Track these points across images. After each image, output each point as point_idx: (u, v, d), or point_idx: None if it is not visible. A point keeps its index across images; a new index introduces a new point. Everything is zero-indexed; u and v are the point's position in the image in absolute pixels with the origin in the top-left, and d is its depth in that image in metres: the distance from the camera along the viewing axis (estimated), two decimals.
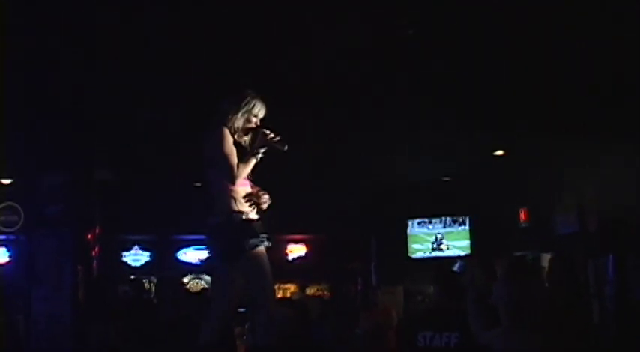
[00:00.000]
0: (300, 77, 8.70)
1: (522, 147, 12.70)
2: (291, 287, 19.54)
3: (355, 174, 15.44)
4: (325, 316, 12.08)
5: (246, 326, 10.37)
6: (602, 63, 8.29)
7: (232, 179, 5.70)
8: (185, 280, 19.69)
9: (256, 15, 7.30)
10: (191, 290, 18.82)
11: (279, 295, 17.13)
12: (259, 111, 5.94)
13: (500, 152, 13.20)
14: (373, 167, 14.71)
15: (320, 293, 19.46)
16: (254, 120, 5.92)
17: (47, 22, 7.26)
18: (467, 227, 17.60)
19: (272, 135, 5.87)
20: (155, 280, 19.80)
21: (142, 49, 7.97)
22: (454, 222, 17.75)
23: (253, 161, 5.83)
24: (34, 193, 12.54)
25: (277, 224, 6.07)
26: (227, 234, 5.72)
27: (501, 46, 7.89)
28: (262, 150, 5.85)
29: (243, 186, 5.83)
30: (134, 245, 20.10)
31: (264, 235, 5.75)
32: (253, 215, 5.81)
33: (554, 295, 6.08)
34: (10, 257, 17.59)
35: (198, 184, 15.86)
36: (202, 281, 19.90)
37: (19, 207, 15.51)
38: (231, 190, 5.75)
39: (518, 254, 14.58)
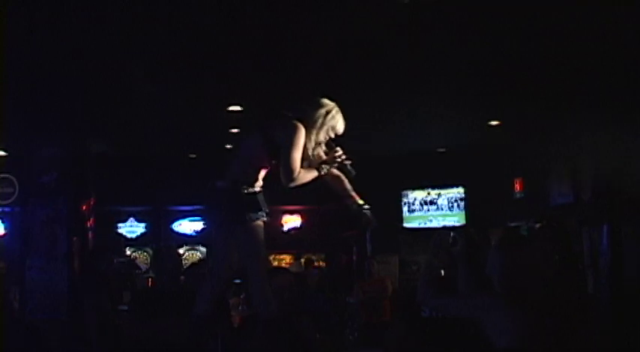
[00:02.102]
0: (296, 45, 8.66)
1: (517, 117, 12.69)
2: (286, 258, 19.60)
3: (350, 145, 15.43)
4: (322, 286, 12.15)
5: (242, 297, 10.42)
6: (597, 31, 8.27)
7: (289, 181, 5.58)
8: (180, 251, 19.74)
9: None
10: (187, 261, 18.93)
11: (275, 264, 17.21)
12: (340, 126, 5.87)
13: (495, 122, 13.17)
14: (368, 137, 14.71)
15: (316, 263, 19.52)
16: (332, 135, 5.86)
17: None
18: (462, 210, 17.60)
19: (344, 156, 5.88)
20: (151, 251, 19.88)
21: (138, 20, 7.90)
22: (450, 206, 17.74)
23: (316, 173, 5.75)
24: (28, 164, 12.54)
25: (272, 195, 6.06)
26: (229, 202, 5.72)
27: (495, 15, 7.85)
28: (328, 167, 5.84)
29: (265, 170, 5.83)
30: (129, 216, 20.12)
31: (265, 209, 5.75)
32: (258, 188, 5.80)
33: (543, 264, 6.08)
34: (5, 228, 17.60)
35: (194, 156, 15.90)
36: (197, 253, 19.94)
37: (14, 179, 15.52)
38: (252, 165, 5.75)
39: (512, 224, 14.62)
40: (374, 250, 17.81)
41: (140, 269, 18.18)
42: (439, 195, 17.89)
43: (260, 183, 5.81)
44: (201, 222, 19.53)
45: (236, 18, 7.73)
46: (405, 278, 15.20)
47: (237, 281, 10.02)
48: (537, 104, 11.46)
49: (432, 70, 9.80)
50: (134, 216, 20.16)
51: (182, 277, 14.47)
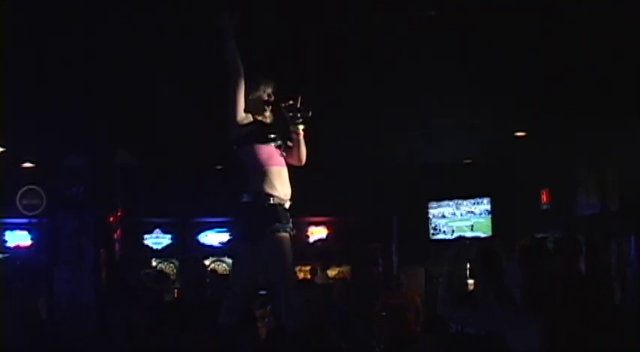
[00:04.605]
0: (322, 56, 8.66)
1: (543, 128, 12.64)
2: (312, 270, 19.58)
3: (377, 156, 15.43)
4: (347, 298, 12.10)
5: (268, 309, 10.41)
6: (621, 39, 8.23)
7: (233, 113, 5.81)
8: (207, 263, 19.77)
9: None
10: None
11: (301, 276, 17.21)
12: (266, 87, 6.03)
13: (521, 133, 13.14)
14: (395, 149, 14.70)
15: (341, 275, 19.48)
16: (266, 97, 6.01)
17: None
18: (489, 216, 17.49)
19: (292, 107, 5.94)
20: (177, 263, 19.92)
21: (162, 32, 7.94)
22: (479, 214, 17.64)
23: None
24: (56, 176, 12.61)
25: (298, 206, 6.07)
26: (252, 214, 5.75)
27: (523, 27, 7.84)
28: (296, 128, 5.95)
29: (278, 166, 5.86)
30: (155, 228, 20.16)
31: (286, 221, 5.78)
32: (286, 203, 5.84)
33: (568, 276, 6.04)
34: (32, 240, 17.69)
35: (220, 167, 15.93)
36: (224, 264, 19.95)
37: (41, 191, 15.61)
38: (264, 171, 5.80)
39: (539, 235, 14.55)
40: (400, 261, 17.77)
41: (169, 281, 18.23)
42: (469, 214, 17.79)
43: (286, 190, 5.85)
44: (227, 234, 19.55)
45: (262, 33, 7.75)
46: (431, 290, 15.12)
47: (263, 292, 10.02)
48: (563, 114, 11.42)
49: (458, 81, 9.78)
50: (160, 228, 20.21)
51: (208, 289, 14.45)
